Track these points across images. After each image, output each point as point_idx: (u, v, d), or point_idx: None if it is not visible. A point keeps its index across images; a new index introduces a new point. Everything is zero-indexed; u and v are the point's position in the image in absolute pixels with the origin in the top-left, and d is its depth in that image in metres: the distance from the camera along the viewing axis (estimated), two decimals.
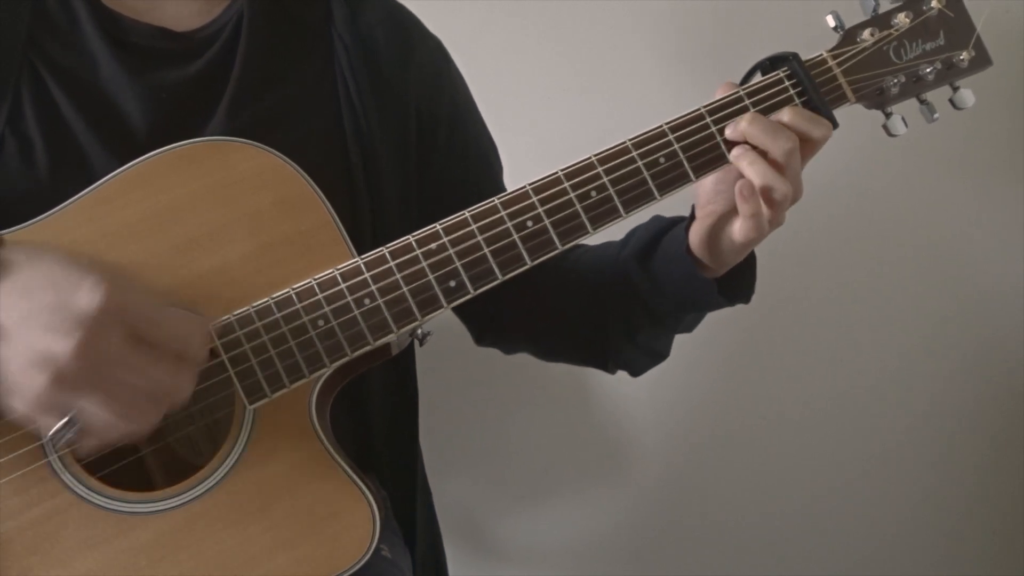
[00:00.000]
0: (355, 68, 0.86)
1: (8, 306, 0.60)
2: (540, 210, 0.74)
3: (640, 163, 0.76)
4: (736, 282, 0.83)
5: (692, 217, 0.81)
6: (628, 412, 1.37)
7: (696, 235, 0.80)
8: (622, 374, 0.96)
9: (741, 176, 0.75)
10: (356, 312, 0.72)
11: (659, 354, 0.92)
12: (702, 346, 1.28)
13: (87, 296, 0.59)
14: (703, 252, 0.80)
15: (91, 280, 0.60)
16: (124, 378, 0.61)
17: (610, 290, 0.87)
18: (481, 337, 1.00)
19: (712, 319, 0.89)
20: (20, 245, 0.67)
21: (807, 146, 0.77)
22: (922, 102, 0.82)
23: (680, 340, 0.92)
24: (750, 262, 0.83)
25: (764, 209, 0.74)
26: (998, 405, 1.39)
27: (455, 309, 0.95)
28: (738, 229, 0.76)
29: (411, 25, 0.94)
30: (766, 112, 0.77)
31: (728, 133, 0.76)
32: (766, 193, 0.74)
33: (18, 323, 0.60)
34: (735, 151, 0.76)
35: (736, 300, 0.83)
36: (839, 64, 0.80)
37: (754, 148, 0.75)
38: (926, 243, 1.35)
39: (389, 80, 0.88)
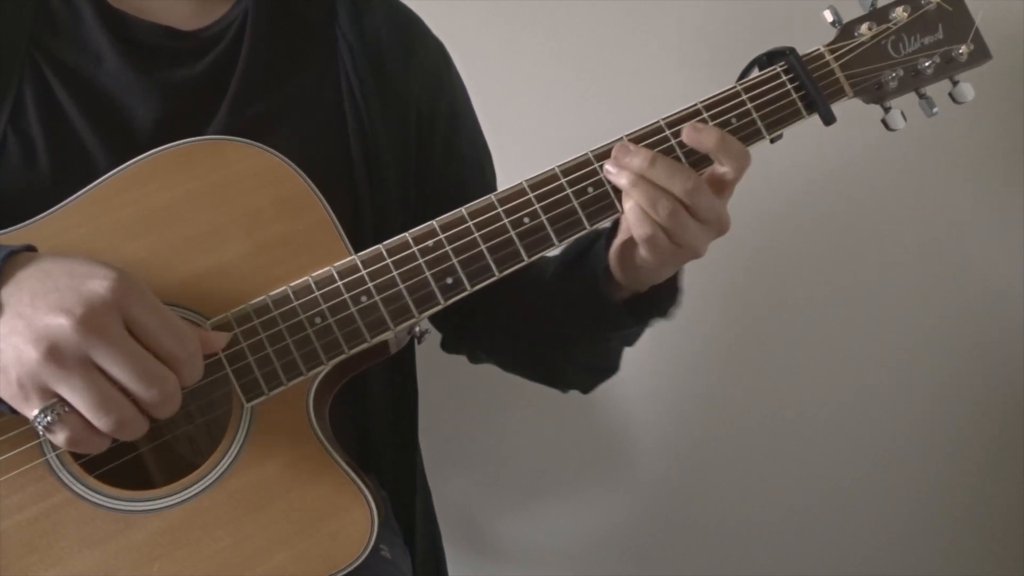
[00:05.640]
0: (359, 67, 0.86)
1: (24, 288, 0.61)
2: (536, 207, 0.74)
3: None
4: (654, 299, 0.81)
5: (614, 231, 0.79)
6: (627, 412, 1.37)
7: (612, 251, 0.79)
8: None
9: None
10: (353, 309, 0.72)
11: (603, 370, 0.90)
12: (701, 345, 1.28)
13: (98, 282, 0.61)
14: (617, 268, 0.78)
15: (105, 270, 0.62)
16: (110, 367, 0.60)
17: (545, 305, 0.87)
18: (446, 343, 0.99)
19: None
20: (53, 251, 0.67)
21: (720, 183, 0.74)
22: (921, 96, 0.82)
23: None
24: (673, 282, 0.81)
25: (661, 236, 0.72)
26: (998, 405, 1.38)
27: None
28: (638, 251, 0.74)
29: (414, 25, 0.94)
30: (767, 107, 0.77)
31: (610, 168, 0.74)
32: (649, 237, 0.72)
33: (27, 303, 0.60)
34: (623, 182, 0.73)
35: (649, 318, 0.82)
36: (837, 59, 0.79)
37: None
38: (925, 240, 1.34)
39: (392, 79, 0.88)
